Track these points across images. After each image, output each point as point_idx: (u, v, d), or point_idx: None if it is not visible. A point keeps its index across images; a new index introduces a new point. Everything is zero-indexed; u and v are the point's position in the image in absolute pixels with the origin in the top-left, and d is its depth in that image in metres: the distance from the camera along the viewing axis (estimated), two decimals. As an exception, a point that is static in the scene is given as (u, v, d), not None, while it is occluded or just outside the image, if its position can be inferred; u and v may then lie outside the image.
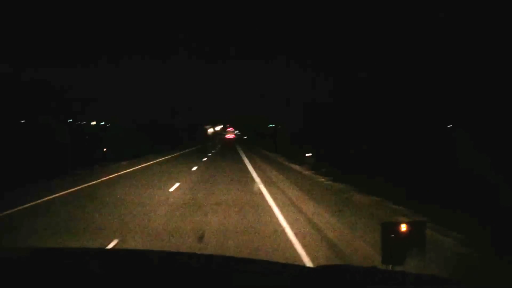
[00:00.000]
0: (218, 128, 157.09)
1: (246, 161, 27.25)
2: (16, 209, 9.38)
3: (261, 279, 1.76)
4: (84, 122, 51.92)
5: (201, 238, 6.58)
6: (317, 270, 1.99)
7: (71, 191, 12.39)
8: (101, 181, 15.26)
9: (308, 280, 1.71)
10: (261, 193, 12.29)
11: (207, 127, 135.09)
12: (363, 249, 6.19)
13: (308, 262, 5.63)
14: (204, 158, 30.16)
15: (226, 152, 41.68)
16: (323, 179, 16.48)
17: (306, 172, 19.49)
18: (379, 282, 1.68)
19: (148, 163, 24.23)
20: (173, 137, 61.07)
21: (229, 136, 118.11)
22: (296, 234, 7.13)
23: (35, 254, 2.12)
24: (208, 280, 1.70)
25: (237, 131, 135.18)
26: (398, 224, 1.96)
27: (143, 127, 57.87)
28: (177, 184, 13.90)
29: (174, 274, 1.80)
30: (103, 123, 58.71)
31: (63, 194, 11.83)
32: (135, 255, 2.38)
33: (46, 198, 10.92)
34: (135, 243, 6.54)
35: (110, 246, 6.29)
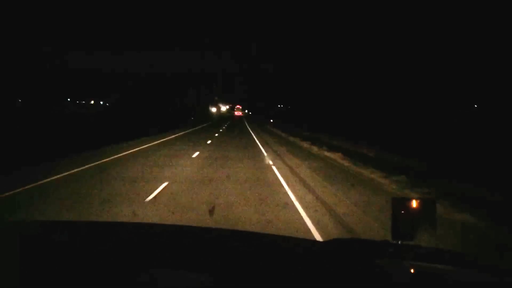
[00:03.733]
0: (223, 108, 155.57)
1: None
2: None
3: (271, 253, 1.75)
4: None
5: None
6: (328, 244, 1.97)
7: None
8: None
9: (319, 254, 1.70)
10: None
11: (211, 106, 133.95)
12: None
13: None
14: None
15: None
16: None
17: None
18: (390, 255, 1.66)
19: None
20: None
21: (238, 113, 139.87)
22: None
23: (49, 228, 2.13)
24: (218, 255, 1.70)
25: (246, 110, 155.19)
26: (409, 200, 1.94)
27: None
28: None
29: (185, 248, 1.80)
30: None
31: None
32: (144, 228, 2.39)
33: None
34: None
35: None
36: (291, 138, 30.93)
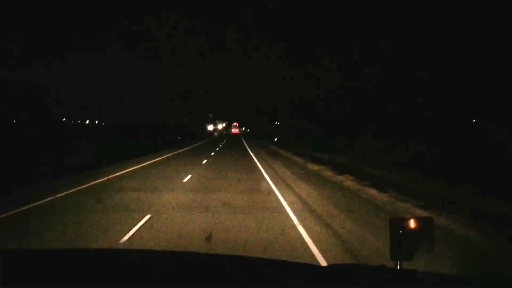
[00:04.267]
0: (220, 126, 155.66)
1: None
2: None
3: (271, 279, 1.74)
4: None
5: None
6: (326, 270, 1.96)
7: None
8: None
9: (317, 281, 1.69)
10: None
11: (207, 125, 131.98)
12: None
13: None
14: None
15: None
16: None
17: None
18: (388, 282, 1.65)
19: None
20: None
21: (234, 130, 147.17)
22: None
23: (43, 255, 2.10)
24: (218, 280, 1.68)
25: (242, 128, 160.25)
26: (406, 219, 1.93)
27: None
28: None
29: (184, 274, 1.79)
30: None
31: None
32: (141, 255, 2.36)
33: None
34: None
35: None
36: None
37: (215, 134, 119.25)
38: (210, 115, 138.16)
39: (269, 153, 34.40)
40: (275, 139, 57.76)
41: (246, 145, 51.66)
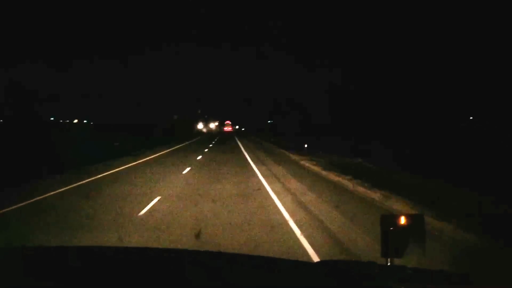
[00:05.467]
0: (212, 125, 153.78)
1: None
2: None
3: (262, 276, 1.73)
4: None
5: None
6: (316, 266, 1.95)
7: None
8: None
9: (306, 277, 1.68)
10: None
11: (197, 124, 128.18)
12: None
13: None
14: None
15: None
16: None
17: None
18: (377, 277, 1.65)
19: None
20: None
21: (227, 129, 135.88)
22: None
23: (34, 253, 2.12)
24: (211, 278, 1.67)
25: (236, 126, 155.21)
26: (397, 216, 1.93)
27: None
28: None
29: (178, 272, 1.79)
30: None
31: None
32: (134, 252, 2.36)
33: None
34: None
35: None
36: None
37: (204, 131, 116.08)
38: (199, 111, 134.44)
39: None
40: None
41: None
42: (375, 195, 10.07)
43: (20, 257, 1.99)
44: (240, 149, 33.37)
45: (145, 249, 2.95)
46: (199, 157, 23.99)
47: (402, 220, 1.91)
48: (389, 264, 1.84)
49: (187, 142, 45.76)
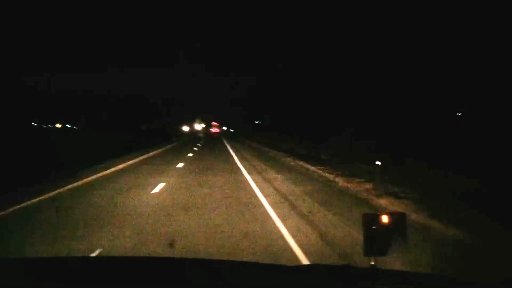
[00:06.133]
0: (199, 126, 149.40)
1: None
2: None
3: (251, 280, 1.72)
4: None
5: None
6: (295, 269, 1.95)
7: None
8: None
9: (288, 282, 1.67)
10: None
11: (182, 125, 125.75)
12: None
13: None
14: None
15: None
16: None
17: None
18: (359, 279, 1.65)
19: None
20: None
21: (214, 130, 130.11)
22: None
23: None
24: (200, 284, 1.68)
25: (224, 127, 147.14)
26: (379, 215, 1.93)
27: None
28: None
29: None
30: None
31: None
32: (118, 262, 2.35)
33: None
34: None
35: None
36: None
37: (186, 131, 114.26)
38: (184, 115, 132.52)
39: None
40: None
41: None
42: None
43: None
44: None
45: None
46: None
47: (385, 218, 1.92)
48: (372, 263, 1.85)
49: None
